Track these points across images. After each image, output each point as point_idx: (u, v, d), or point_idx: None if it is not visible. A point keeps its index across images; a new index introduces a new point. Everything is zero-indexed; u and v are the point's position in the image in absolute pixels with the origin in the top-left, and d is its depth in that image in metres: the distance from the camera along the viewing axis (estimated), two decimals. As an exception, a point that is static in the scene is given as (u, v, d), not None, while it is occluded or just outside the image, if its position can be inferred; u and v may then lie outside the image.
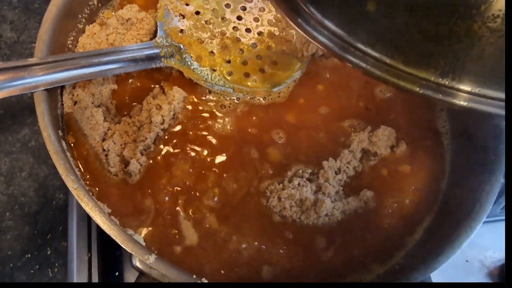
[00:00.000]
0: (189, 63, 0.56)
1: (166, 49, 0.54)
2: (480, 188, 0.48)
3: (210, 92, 0.57)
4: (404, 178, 0.55)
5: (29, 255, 0.61)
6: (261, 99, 0.57)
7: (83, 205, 0.40)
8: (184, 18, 0.58)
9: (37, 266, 0.61)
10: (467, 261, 0.69)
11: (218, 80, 0.56)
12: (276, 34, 0.61)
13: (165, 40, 0.55)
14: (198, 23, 0.58)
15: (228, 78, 0.57)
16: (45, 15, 0.48)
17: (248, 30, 0.60)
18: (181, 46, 0.56)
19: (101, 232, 0.57)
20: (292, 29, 0.60)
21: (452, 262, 0.48)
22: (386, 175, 0.55)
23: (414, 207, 0.53)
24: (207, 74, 0.56)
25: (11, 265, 0.60)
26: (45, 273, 0.61)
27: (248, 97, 0.57)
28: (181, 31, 0.57)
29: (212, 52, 0.58)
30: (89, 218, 0.58)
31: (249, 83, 0.57)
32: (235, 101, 0.57)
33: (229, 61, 0.58)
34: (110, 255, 0.59)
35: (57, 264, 0.61)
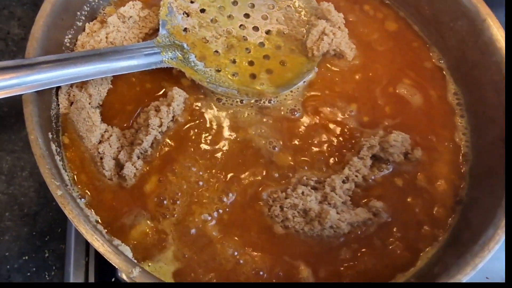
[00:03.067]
0: (192, 63, 0.53)
1: (167, 49, 0.52)
2: (498, 210, 0.44)
3: (213, 93, 0.54)
4: (419, 188, 0.51)
5: (27, 257, 0.60)
6: (267, 101, 0.54)
7: (66, 212, 0.38)
8: (188, 16, 0.55)
9: (34, 269, 0.59)
10: (487, 278, 0.64)
11: (223, 81, 0.53)
12: (285, 32, 0.58)
13: (167, 39, 0.53)
14: (203, 22, 0.56)
15: (233, 79, 0.54)
16: (39, 12, 0.47)
17: (255, 29, 0.57)
18: (185, 45, 0.54)
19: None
20: (303, 26, 0.57)
21: (470, 279, 0.44)
22: (399, 185, 0.51)
23: (429, 221, 0.49)
24: (211, 75, 0.53)
25: (8, 266, 0.59)
26: (42, 276, 0.59)
27: (253, 100, 0.53)
28: (185, 29, 0.55)
29: (216, 51, 0.55)
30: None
31: (255, 85, 0.54)
32: (240, 103, 0.54)
33: (234, 61, 0.55)
34: (107, 260, 0.57)
35: (54, 268, 0.60)
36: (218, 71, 0.54)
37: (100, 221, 0.45)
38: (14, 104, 0.68)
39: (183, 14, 0.55)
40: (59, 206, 0.63)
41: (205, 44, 0.55)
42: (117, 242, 0.43)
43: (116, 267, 0.37)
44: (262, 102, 0.54)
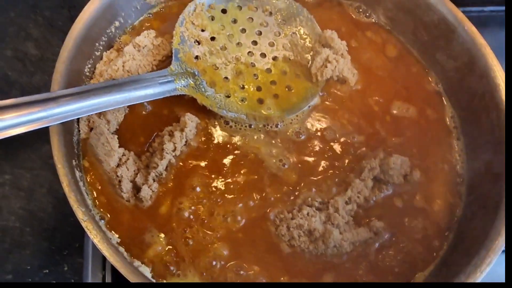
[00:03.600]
0: (203, 89, 0.56)
1: (180, 77, 0.55)
2: (490, 231, 0.47)
3: (222, 117, 0.57)
4: (417, 209, 0.54)
5: (47, 271, 0.63)
6: (274, 125, 0.57)
7: (91, 237, 0.41)
8: (199, 44, 0.59)
9: (54, 282, 0.63)
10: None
11: (232, 106, 0.57)
12: (291, 58, 0.61)
13: (180, 67, 0.56)
14: (213, 49, 0.59)
15: (242, 104, 0.57)
16: (63, 47, 0.50)
17: (263, 55, 0.60)
18: (196, 72, 0.57)
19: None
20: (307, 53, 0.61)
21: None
22: (399, 205, 0.54)
23: (427, 241, 0.53)
24: (221, 101, 0.57)
25: (30, 280, 0.63)
26: (61, 288, 0.63)
27: (261, 124, 0.57)
28: (196, 57, 0.58)
29: (226, 78, 0.58)
30: (104, 237, 0.59)
31: (262, 110, 0.57)
32: (248, 127, 0.57)
33: (243, 87, 0.58)
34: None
35: (73, 280, 0.63)
36: (228, 96, 0.57)
37: (120, 242, 0.48)
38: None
39: (195, 42, 0.59)
40: (76, 222, 0.67)
41: (215, 71, 0.58)
42: (137, 263, 0.46)
43: None
44: (269, 126, 0.57)
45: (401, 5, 0.61)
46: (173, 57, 0.56)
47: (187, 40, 0.58)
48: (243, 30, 0.61)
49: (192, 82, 0.56)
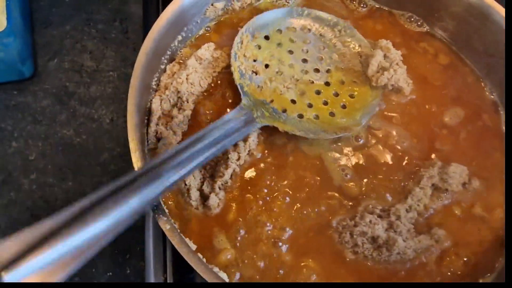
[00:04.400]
0: (277, 116, 0.57)
1: (254, 109, 0.55)
2: None
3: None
4: (477, 217, 0.55)
5: (111, 273, 0.66)
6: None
7: (176, 245, 0.44)
8: (257, 74, 0.60)
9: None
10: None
11: (308, 126, 0.57)
12: (342, 67, 0.62)
13: (249, 100, 0.56)
14: (271, 76, 0.60)
15: (316, 121, 0.58)
16: (136, 62, 0.52)
17: (316, 71, 0.62)
18: (264, 100, 0.58)
19: (175, 255, 0.61)
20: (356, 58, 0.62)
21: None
22: (458, 214, 0.55)
23: (487, 249, 0.53)
24: (296, 123, 0.57)
25: (95, 281, 0.66)
26: (125, 291, 0.66)
27: (341, 135, 0.57)
28: (259, 87, 0.59)
29: (293, 100, 0.59)
30: (164, 241, 0.62)
31: (337, 121, 0.58)
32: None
33: (311, 105, 0.59)
34: (184, 277, 0.63)
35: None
36: (301, 117, 0.58)
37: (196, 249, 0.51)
38: (91, 133, 0.75)
39: (252, 73, 0.60)
40: (136, 226, 0.69)
41: (280, 96, 0.59)
42: (216, 269, 0.48)
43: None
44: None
45: (455, 15, 0.62)
46: (241, 93, 0.57)
47: (246, 74, 0.60)
48: (290, 52, 0.62)
49: (266, 112, 0.56)
